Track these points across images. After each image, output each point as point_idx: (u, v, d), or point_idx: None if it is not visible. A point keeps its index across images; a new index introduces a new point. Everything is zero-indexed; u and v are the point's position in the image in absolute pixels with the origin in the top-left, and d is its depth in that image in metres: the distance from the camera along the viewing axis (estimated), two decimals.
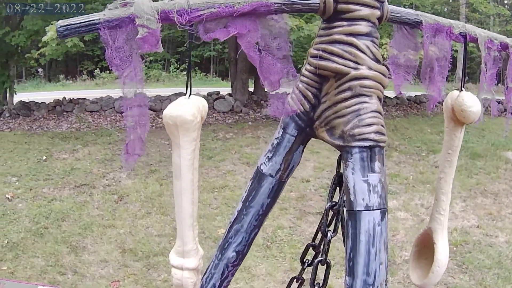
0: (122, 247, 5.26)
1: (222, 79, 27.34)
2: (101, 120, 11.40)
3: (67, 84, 25.09)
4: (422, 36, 2.05)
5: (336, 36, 1.81)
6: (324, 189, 6.21)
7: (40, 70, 27.15)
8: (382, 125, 1.79)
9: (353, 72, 1.78)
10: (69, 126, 10.97)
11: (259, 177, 2.01)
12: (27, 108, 12.17)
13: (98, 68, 26.39)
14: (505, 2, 16.49)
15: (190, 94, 1.76)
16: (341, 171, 1.86)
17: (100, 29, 1.54)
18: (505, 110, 2.50)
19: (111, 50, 1.58)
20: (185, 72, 24.59)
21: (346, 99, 1.80)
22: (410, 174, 7.57)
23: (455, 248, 5.20)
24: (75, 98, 12.48)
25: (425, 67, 2.16)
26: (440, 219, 2.38)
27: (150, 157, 8.43)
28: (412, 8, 20.06)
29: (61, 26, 1.51)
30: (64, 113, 11.92)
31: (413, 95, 16.00)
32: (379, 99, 1.84)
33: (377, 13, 1.83)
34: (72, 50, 12.25)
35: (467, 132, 10.46)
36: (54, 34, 8.87)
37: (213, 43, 27.39)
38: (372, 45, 1.82)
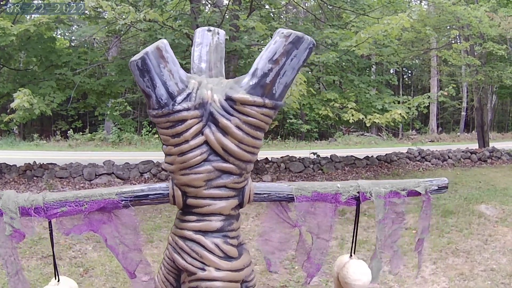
0: None
1: None
2: (70, 187, 11.19)
3: (41, 144, 25.03)
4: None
5: (186, 232, 1.80)
6: (289, 261, 6.07)
7: (15, 128, 27.01)
8: None
9: (200, 274, 1.76)
10: (38, 192, 10.72)
11: None
12: None
13: (71, 129, 26.31)
14: (475, 51, 16.87)
15: (59, 279, 1.90)
16: None
17: None
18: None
19: None
20: (157, 135, 24.42)
21: None
22: None
23: None
24: (45, 163, 12.28)
25: (299, 246, 2.13)
26: None
27: None
28: (382, 65, 20.47)
29: None
30: (34, 178, 11.73)
31: (384, 154, 15.95)
32: None
33: (234, 203, 1.80)
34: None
35: None
36: (21, 102, 8.83)
37: None
38: (223, 242, 1.79)
